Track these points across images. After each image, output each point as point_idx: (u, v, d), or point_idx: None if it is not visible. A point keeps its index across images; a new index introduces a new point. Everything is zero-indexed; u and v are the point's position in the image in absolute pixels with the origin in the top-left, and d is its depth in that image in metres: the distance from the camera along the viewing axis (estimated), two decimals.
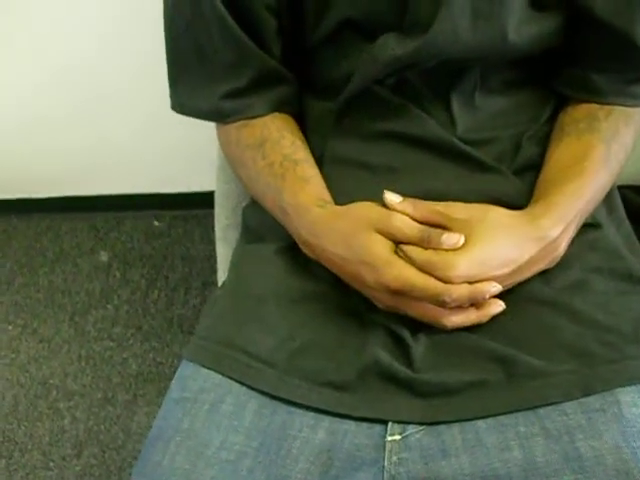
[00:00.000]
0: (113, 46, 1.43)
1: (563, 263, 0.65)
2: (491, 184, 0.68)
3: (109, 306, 1.58)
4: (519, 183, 0.69)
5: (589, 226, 0.68)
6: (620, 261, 0.67)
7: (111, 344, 1.52)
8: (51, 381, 1.47)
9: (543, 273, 0.64)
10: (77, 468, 1.35)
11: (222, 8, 0.69)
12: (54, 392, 1.45)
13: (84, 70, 1.48)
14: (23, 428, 1.41)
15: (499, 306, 0.62)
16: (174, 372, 1.41)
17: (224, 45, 0.72)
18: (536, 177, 0.69)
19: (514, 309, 0.62)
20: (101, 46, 1.43)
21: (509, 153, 0.71)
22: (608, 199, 0.72)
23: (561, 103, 0.74)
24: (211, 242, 1.65)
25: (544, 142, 0.72)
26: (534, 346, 0.61)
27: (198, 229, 1.70)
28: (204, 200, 1.65)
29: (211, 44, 0.72)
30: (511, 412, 0.58)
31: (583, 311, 0.63)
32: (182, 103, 0.79)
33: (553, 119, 0.74)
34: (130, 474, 1.30)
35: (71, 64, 1.47)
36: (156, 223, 1.73)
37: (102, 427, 1.39)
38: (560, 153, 0.68)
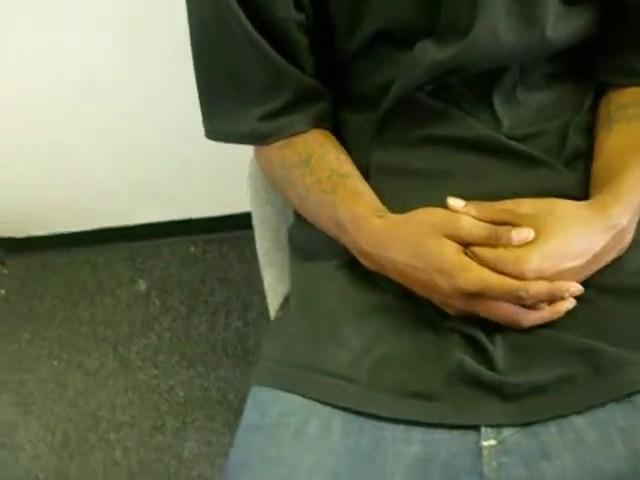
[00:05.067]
0: (142, 76, 1.44)
1: (629, 249, 0.64)
2: (543, 178, 0.67)
3: (151, 335, 1.59)
4: (570, 174, 0.68)
5: None
6: None
7: (156, 372, 1.52)
8: (100, 413, 1.48)
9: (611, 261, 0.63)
10: None
11: (253, 30, 0.69)
12: (104, 424, 1.46)
13: (117, 109, 1.49)
14: (76, 462, 1.42)
15: (571, 302, 0.61)
16: (222, 396, 1.43)
17: (258, 67, 0.71)
18: (585, 166, 0.69)
19: (587, 299, 0.61)
20: (130, 79, 1.44)
21: (556, 145, 0.70)
22: None
23: (601, 90, 0.74)
24: (248, 263, 1.66)
25: (589, 130, 0.71)
26: (614, 335, 0.60)
27: (234, 251, 1.70)
28: (237, 222, 1.66)
29: (244, 67, 0.72)
30: (604, 404, 0.57)
31: None
32: (217, 130, 0.78)
33: (594, 106, 0.73)
34: None
35: (112, 103, 1.49)
36: (192, 249, 1.73)
37: (153, 456, 1.39)
38: (614, 140, 0.68)
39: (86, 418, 1.48)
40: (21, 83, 1.47)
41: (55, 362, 1.59)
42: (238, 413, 1.38)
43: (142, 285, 1.69)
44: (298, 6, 0.69)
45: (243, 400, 1.47)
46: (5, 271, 1.83)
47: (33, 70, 1.44)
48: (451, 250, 0.60)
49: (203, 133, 0.79)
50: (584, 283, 0.61)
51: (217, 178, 1.61)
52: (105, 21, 1.35)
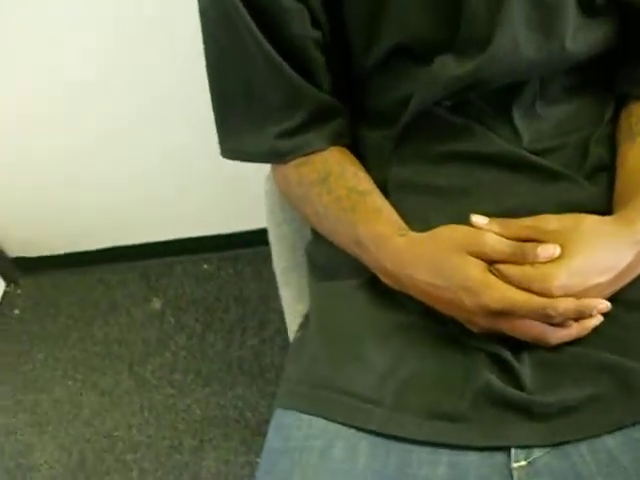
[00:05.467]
0: (155, 94, 1.45)
1: None
2: (564, 192, 0.66)
3: (167, 353, 1.58)
4: (592, 188, 0.67)
5: None
6: None
7: (172, 391, 1.51)
8: (116, 434, 1.47)
9: None
10: None
11: (270, 48, 0.68)
12: (120, 444, 1.45)
13: (126, 125, 1.50)
14: None
15: (599, 319, 0.60)
16: (239, 414, 1.42)
17: (275, 85, 0.71)
18: (607, 179, 0.68)
19: (614, 315, 0.60)
20: (142, 99, 1.45)
21: (577, 158, 0.69)
22: None
23: (621, 102, 0.73)
24: (263, 280, 1.65)
25: (610, 142, 0.71)
26: None
27: (248, 268, 1.69)
28: (251, 239, 1.66)
29: (261, 86, 0.72)
30: (635, 423, 0.56)
31: None
32: (233, 149, 0.77)
33: (615, 119, 0.72)
34: None
35: (117, 125, 1.49)
36: (205, 266, 1.72)
37: (171, 476, 1.37)
38: (636, 153, 0.67)
39: (102, 438, 1.46)
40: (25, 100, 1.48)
41: (70, 382, 1.58)
42: (255, 431, 1.38)
43: (156, 303, 1.69)
44: (315, 24, 0.69)
45: (261, 418, 1.46)
46: (19, 291, 1.84)
47: (35, 83, 1.45)
48: (475, 268, 0.59)
49: (218, 151, 0.78)
50: (611, 299, 0.60)
51: (230, 195, 1.61)
52: (111, 40, 1.36)
